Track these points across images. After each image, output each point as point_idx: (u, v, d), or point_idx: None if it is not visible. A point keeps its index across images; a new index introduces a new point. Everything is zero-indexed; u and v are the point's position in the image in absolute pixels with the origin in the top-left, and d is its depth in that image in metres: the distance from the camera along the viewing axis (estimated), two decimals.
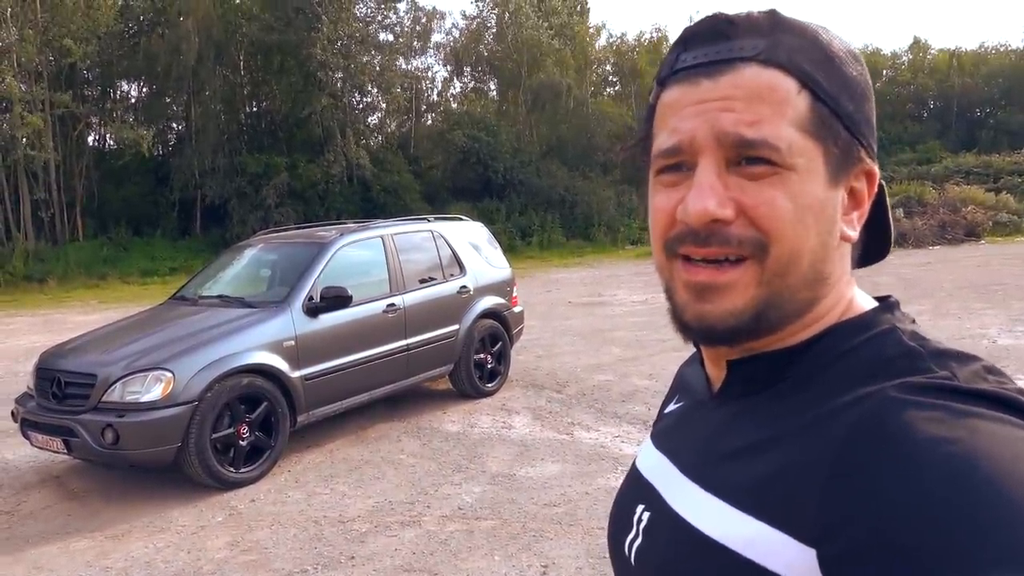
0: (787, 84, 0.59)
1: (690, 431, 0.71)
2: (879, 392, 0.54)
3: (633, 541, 0.69)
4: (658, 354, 7.89)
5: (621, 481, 3.22)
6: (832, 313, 0.63)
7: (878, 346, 0.59)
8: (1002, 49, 38.45)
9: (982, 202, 22.01)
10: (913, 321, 0.64)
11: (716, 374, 0.69)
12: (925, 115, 36.36)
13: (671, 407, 0.80)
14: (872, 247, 0.69)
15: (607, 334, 9.27)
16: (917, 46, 39.54)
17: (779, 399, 0.61)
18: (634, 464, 0.78)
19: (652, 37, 32.67)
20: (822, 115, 0.59)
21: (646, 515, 0.69)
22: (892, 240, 0.70)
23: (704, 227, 0.59)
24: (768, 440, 0.59)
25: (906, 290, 10.56)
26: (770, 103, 0.58)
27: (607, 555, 2.95)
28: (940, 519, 0.46)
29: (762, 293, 0.60)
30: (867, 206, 0.63)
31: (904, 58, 38.46)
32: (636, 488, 0.74)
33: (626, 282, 15.16)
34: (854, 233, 0.63)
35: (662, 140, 0.62)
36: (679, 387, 0.82)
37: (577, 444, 5.22)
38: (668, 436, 0.75)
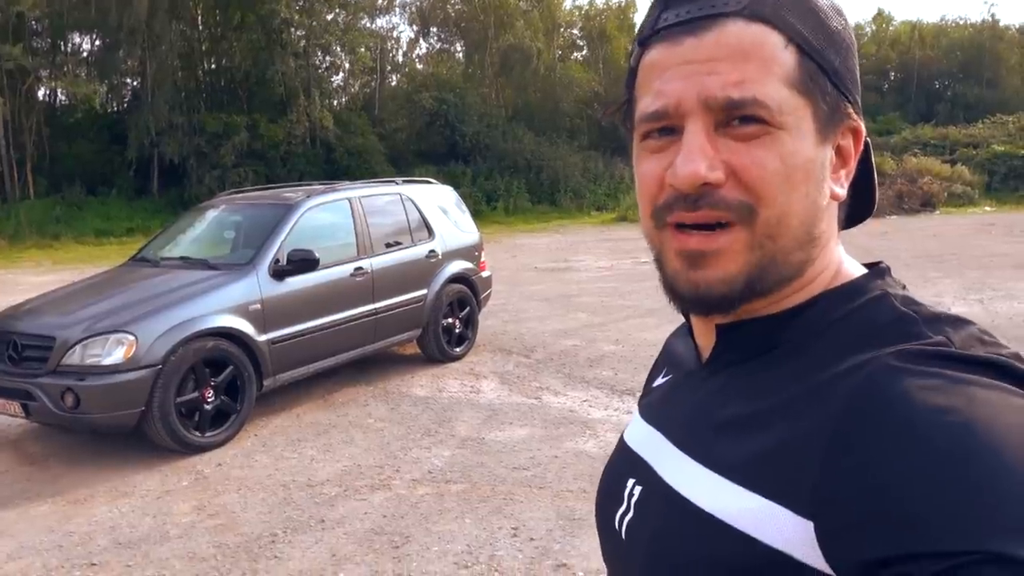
0: (773, 39, 0.57)
1: (681, 403, 0.69)
2: (875, 360, 0.53)
3: (624, 515, 0.68)
4: (624, 320, 7.96)
5: (588, 444, 3.25)
6: (821, 277, 0.62)
7: (871, 313, 0.59)
8: (961, 23, 39.06)
9: (938, 173, 22.49)
10: (904, 287, 0.63)
11: (705, 343, 0.68)
12: (886, 87, 36.84)
13: (659, 380, 0.79)
14: (855, 208, 0.68)
15: (573, 299, 9.32)
16: (880, 17, 39.90)
17: (771, 368, 0.60)
18: (622, 438, 0.76)
19: (621, 2, 32.37)
20: (810, 70, 0.58)
21: (638, 489, 0.67)
22: (876, 200, 0.69)
23: (695, 191, 0.57)
24: (762, 411, 0.58)
25: (865, 259, 10.76)
26: (757, 60, 0.56)
27: (577, 517, 2.99)
28: (940, 489, 0.46)
29: (754, 257, 0.58)
30: (854, 163, 0.62)
31: (867, 29, 38.80)
32: (626, 462, 0.72)
33: (592, 248, 15.22)
34: (842, 191, 0.62)
35: (646, 103, 0.60)
36: (667, 359, 0.80)
37: (545, 408, 5.26)
38: (658, 408, 0.74)
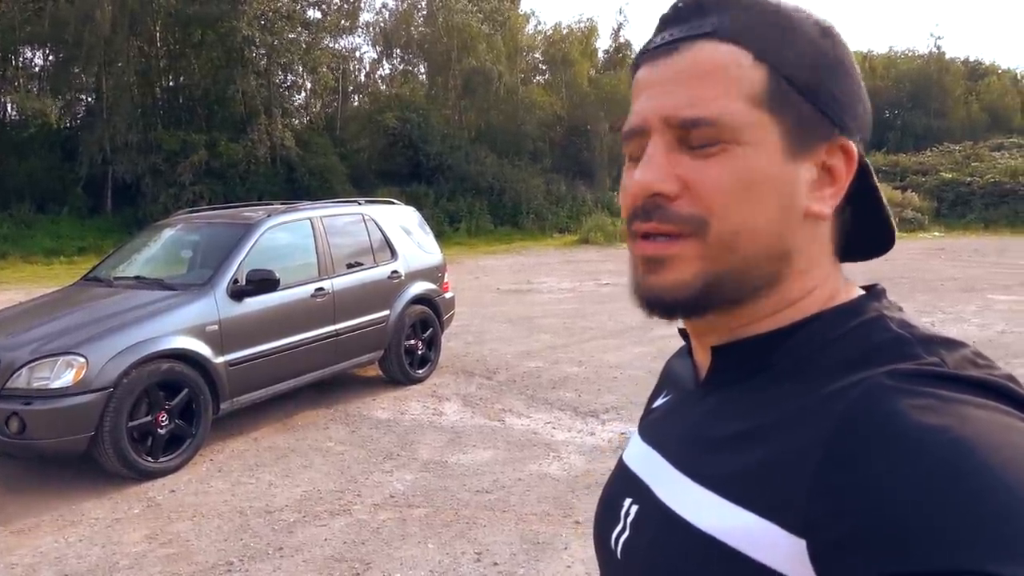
0: (741, 58, 0.59)
1: (678, 422, 0.70)
2: (868, 379, 0.53)
3: (620, 535, 0.67)
4: (588, 341, 7.98)
5: (552, 467, 3.24)
6: (813, 297, 0.62)
7: (865, 333, 0.59)
8: (910, 54, 40.48)
9: (890, 199, 22.87)
10: (900, 309, 0.63)
11: (703, 363, 0.68)
12: None
13: (659, 401, 0.79)
14: (872, 237, 0.68)
15: (536, 321, 9.31)
16: None
17: (766, 387, 0.60)
18: (621, 458, 0.76)
19: (583, 27, 32.87)
20: (780, 88, 0.59)
21: (634, 508, 0.67)
22: (894, 230, 0.68)
23: (646, 201, 0.60)
24: (757, 429, 0.58)
25: None
26: (720, 79, 0.59)
27: (541, 540, 2.96)
28: (931, 509, 0.45)
29: (708, 267, 0.60)
30: (844, 183, 0.62)
31: None
32: (623, 482, 0.72)
33: (555, 270, 15.27)
34: (825, 209, 0.61)
35: (627, 123, 0.64)
36: (667, 380, 0.80)
37: (508, 430, 5.22)
38: (656, 428, 0.74)
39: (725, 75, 0.59)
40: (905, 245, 18.60)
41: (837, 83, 0.61)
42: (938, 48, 39.25)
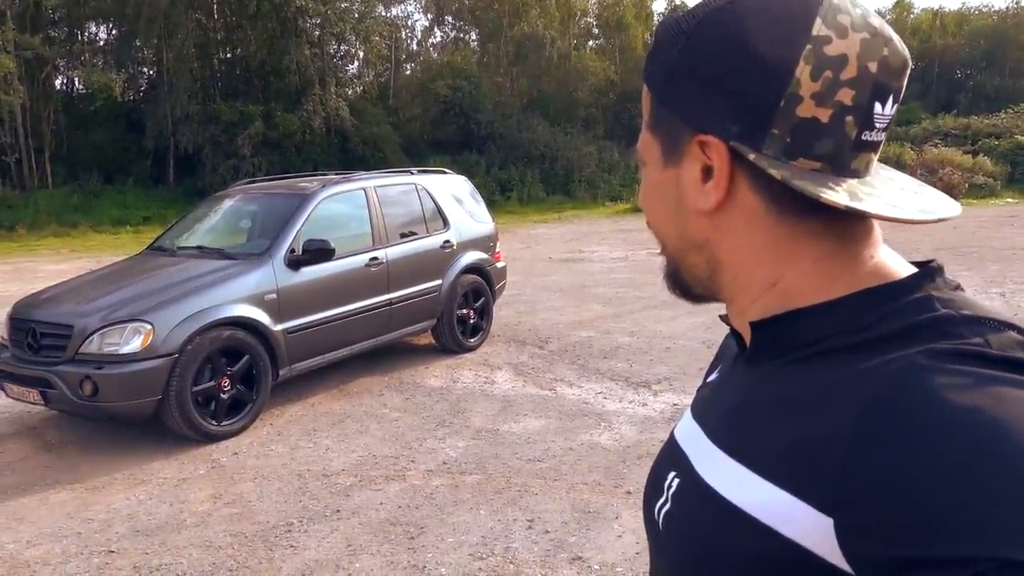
0: (646, 94, 0.67)
1: (720, 397, 0.71)
2: (902, 358, 0.52)
3: (663, 506, 0.69)
4: (639, 311, 7.92)
5: (603, 437, 3.25)
6: (789, 283, 0.61)
7: (907, 312, 0.57)
8: (985, 10, 38.41)
9: (959, 164, 22.21)
10: (957, 287, 0.61)
11: (746, 340, 0.68)
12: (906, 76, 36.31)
13: (711, 377, 0.80)
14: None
15: (588, 290, 9.28)
16: (900, 5, 39.37)
17: (803, 364, 0.60)
18: (672, 432, 0.78)
19: None
20: (657, 108, 0.65)
21: (676, 481, 0.69)
22: (940, 194, 0.63)
23: None
24: (790, 406, 0.57)
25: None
26: (644, 117, 0.69)
27: (592, 510, 2.98)
28: (960, 491, 0.45)
29: (665, 259, 0.70)
30: (719, 173, 0.60)
31: (888, 17, 38.26)
32: (671, 455, 0.74)
33: (606, 238, 15.16)
34: (705, 204, 0.62)
35: None
36: (721, 357, 0.81)
37: (560, 400, 5.24)
38: (702, 404, 0.75)
39: (645, 112, 0.68)
40: (975, 212, 17.82)
41: (681, 84, 0.62)
42: (1017, 2, 37.03)
